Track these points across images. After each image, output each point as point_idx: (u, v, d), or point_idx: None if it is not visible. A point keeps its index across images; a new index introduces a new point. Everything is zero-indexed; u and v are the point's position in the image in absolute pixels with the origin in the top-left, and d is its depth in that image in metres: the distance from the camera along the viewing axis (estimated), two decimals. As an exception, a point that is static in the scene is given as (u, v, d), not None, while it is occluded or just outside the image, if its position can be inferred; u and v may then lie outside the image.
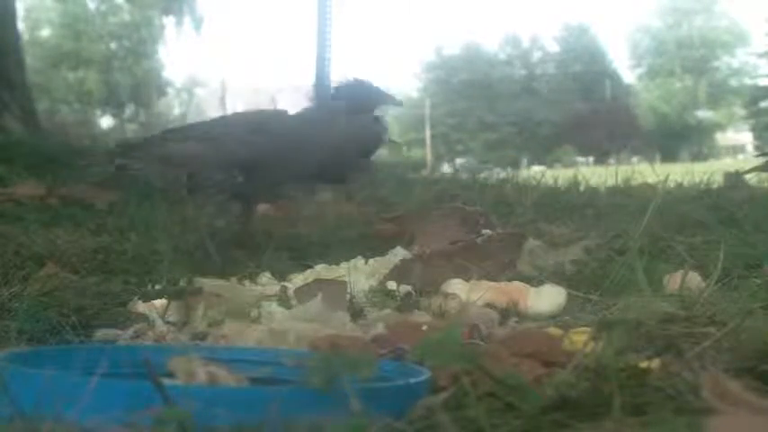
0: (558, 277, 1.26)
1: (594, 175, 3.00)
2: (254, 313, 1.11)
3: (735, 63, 33.16)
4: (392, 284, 1.25)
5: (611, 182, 2.74)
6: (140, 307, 1.14)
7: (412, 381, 0.68)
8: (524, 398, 0.64)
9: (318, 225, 1.94)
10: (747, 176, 2.59)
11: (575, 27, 33.83)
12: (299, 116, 1.65)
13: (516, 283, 1.20)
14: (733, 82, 32.92)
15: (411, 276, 1.27)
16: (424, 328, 0.93)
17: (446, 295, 1.13)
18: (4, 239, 1.57)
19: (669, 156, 24.16)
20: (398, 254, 1.43)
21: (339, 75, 1.71)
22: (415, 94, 33.94)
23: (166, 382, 0.60)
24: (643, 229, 1.24)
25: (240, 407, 0.59)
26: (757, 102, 30.64)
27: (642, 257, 1.13)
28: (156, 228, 1.70)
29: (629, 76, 34.79)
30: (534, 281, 1.23)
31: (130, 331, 1.04)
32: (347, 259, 1.40)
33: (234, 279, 1.35)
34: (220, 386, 0.64)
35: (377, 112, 1.67)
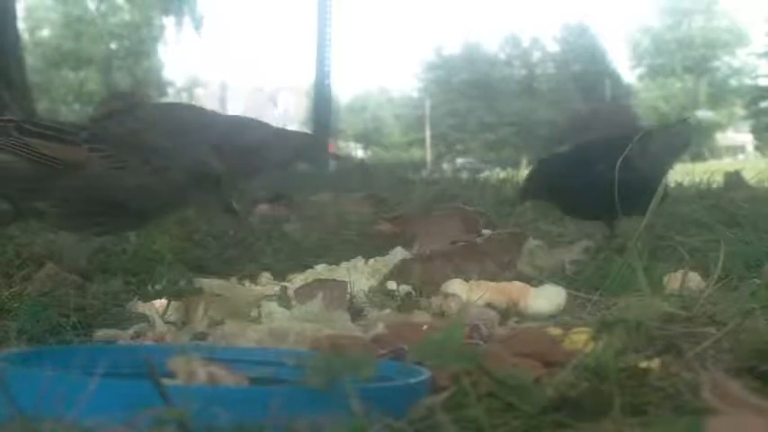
0: (558, 277, 1.26)
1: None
2: (254, 313, 1.11)
3: (735, 63, 33.13)
4: (392, 284, 1.25)
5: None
6: (140, 307, 1.14)
7: (412, 381, 0.68)
8: (524, 398, 0.64)
9: (318, 225, 1.94)
10: (747, 176, 2.59)
11: (575, 27, 33.80)
12: None
13: (516, 283, 1.20)
14: (733, 82, 32.88)
15: (411, 276, 1.27)
16: (424, 328, 0.93)
17: (446, 295, 1.13)
18: (4, 239, 1.57)
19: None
20: (398, 254, 1.43)
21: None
22: (415, 94, 33.93)
23: (166, 382, 0.60)
24: (643, 229, 1.24)
25: (240, 407, 0.59)
26: (757, 102, 30.60)
27: (642, 257, 1.13)
28: (156, 228, 1.70)
29: (629, 76, 34.77)
30: (534, 281, 1.23)
31: (130, 331, 1.04)
32: (347, 259, 1.40)
33: (234, 279, 1.35)
34: (220, 386, 0.64)
35: None
